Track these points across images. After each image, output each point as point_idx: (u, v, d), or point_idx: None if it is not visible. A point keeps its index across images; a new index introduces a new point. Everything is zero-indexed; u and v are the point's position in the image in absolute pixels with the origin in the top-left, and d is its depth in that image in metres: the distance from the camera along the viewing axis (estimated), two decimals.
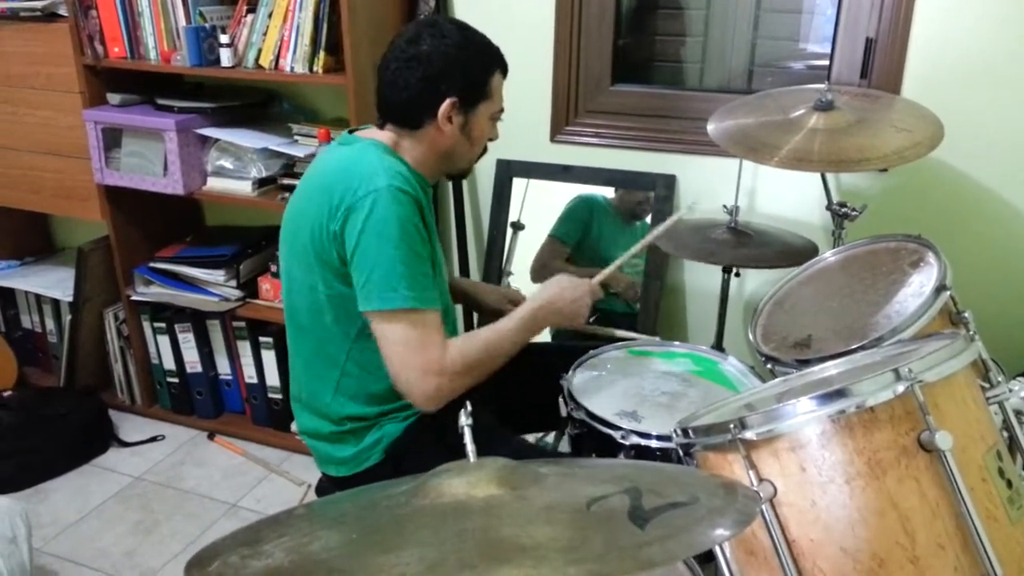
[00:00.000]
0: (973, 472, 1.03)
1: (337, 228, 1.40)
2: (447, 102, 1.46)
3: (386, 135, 1.52)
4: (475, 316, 2.50)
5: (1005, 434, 1.20)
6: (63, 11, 2.38)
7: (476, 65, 1.50)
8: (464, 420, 0.92)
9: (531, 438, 1.98)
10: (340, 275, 1.44)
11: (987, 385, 1.22)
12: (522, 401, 1.74)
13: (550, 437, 1.95)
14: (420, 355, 1.39)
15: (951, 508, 1.00)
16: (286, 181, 2.36)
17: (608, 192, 2.37)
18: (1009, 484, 1.06)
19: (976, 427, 1.07)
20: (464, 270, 2.53)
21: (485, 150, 1.63)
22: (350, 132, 1.58)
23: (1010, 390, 1.21)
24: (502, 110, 1.57)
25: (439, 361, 1.40)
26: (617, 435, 1.46)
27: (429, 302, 1.40)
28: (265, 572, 0.73)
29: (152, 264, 2.61)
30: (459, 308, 2.18)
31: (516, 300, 1.85)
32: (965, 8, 1.95)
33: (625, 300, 2.34)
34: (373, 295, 1.38)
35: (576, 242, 2.39)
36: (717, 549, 1.13)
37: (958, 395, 1.07)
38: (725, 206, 2.04)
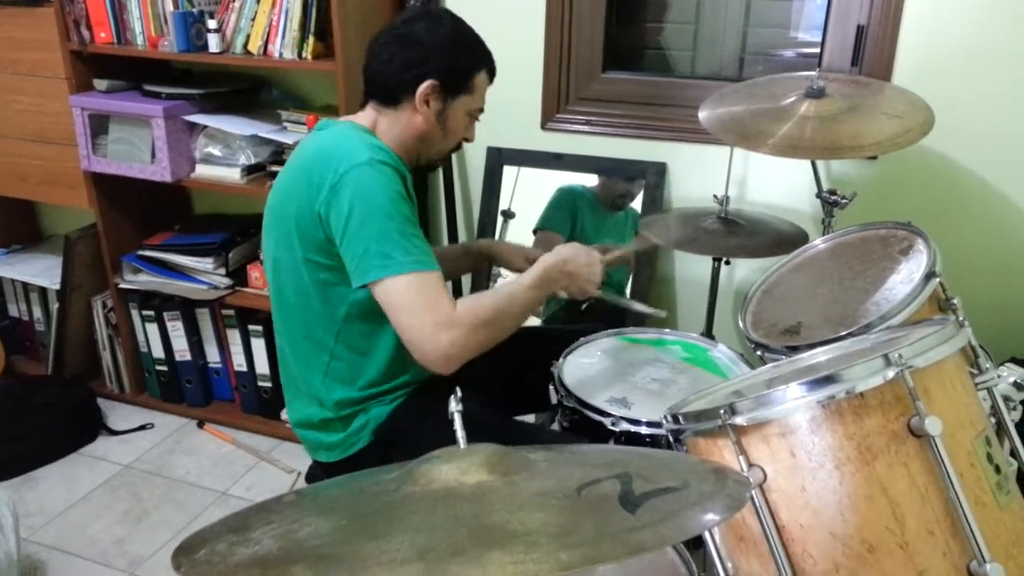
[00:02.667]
0: (962, 457, 1.03)
1: (323, 209, 1.39)
2: (427, 83, 1.47)
3: (365, 116, 1.53)
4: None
5: (993, 420, 1.20)
6: None
7: (463, 56, 1.51)
8: (454, 406, 0.91)
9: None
10: (327, 255, 1.43)
11: (976, 371, 1.23)
12: (512, 385, 1.73)
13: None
14: (429, 313, 1.37)
15: (940, 493, 1.00)
16: (275, 168, 2.35)
17: (593, 181, 2.37)
18: (997, 469, 1.06)
19: (965, 413, 1.07)
20: None
21: (459, 147, 1.63)
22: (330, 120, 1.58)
23: (999, 376, 1.22)
24: (481, 110, 1.59)
25: (449, 315, 1.38)
26: (607, 422, 1.47)
27: (428, 264, 1.39)
28: (253, 559, 0.73)
29: (140, 252, 2.59)
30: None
31: (533, 259, 1.84)
32: None
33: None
34: (372, 266, 1.38)
35: (568, 231, 2.38)
36: (707, 535, 1.13)
37: (947, 381, 1.07)
38: (715, 196, 2.04)
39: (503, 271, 2.44)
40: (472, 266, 2.07)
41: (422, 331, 1.38)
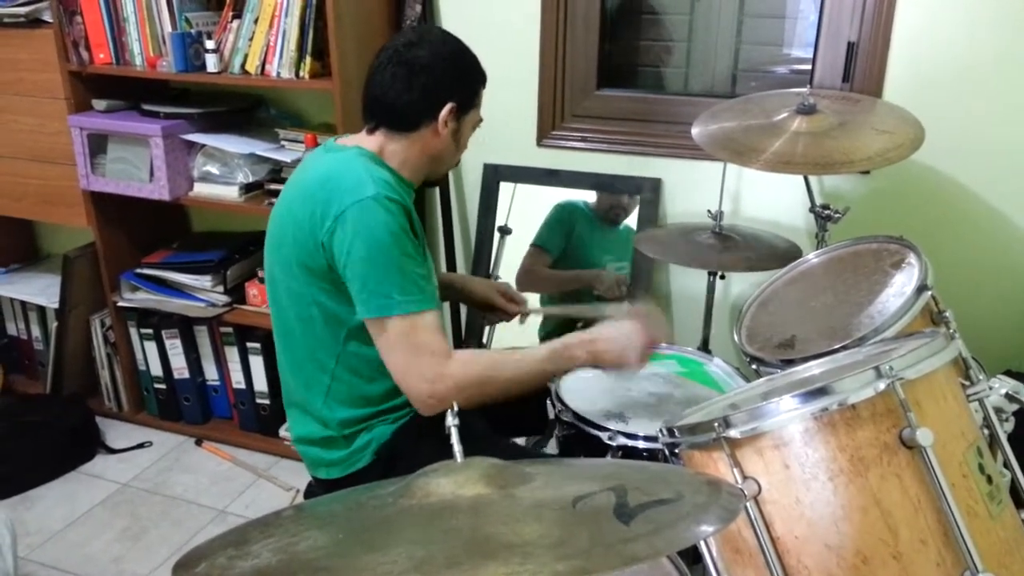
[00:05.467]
0: (954, 468, 1.04)
1: (325, 238, 1.40)
2: (448, 107, 1.49)
3: (372, 140, 1.52)
4: (462, 310, 2.52)
5: (985, 431, 1.21)
6: (47, 17, 2.37)
7: (470, 74, 1.54)
8: (451, 420, 0.92)
9: (520, 442, 1.99)
10: (328, 281, 1.44)
11: (968, 383, 1.24)
12: (510, 405, 1.74)
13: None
14: (417, 361, 1.40)
15: (933, 504, 1.01)
16: (273, 186, 2.36)
17: (591, 197, 2.39)
18: (989, 480, 1.07)
19: (957, 424, 1.08)
20: None
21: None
22: (335, 140, 1.58)
23: (990, 387, 1.23)
24: (481, 119, 1.61)
25: (438, 368, 1.40)
26: (604, 436, 1.47)
27: (425, 303, 1.41)
28: (252, 572, 0.74)
29: (138, 270, 2.60)
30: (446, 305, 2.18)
31: (504, 292, 1.87)
32: (946, 13, 1.98)
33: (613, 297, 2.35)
34: (370, 304, 1.40)
35: (560, 251, 2.40)
36: (704, 547, 1.14)
37: (939, 392, 1.08)
38: (709, 211, 2.05)
39: (500, 276, 2.46)
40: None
41: (408, 378, 1.41)
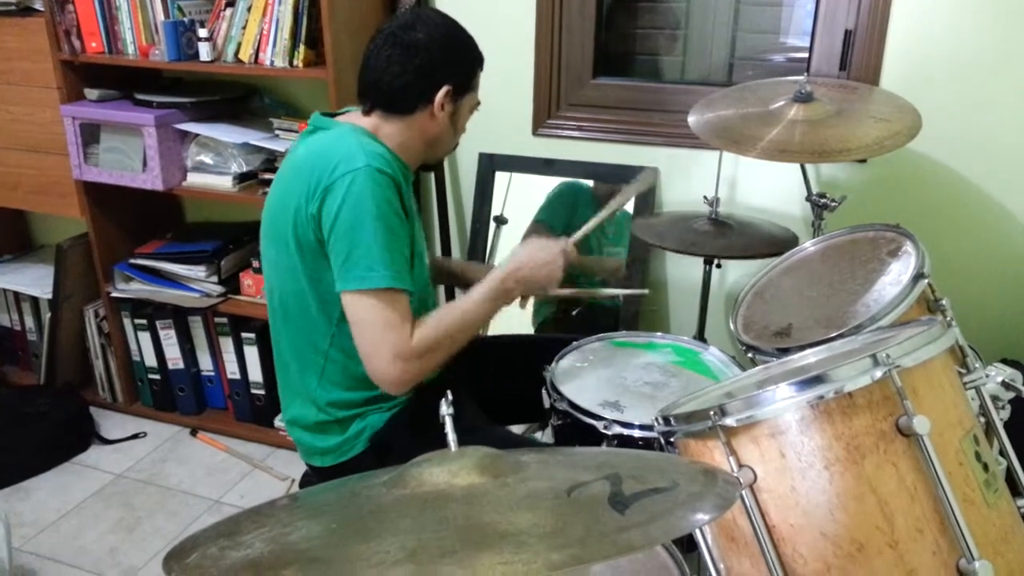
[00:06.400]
0: (951, 456, 1.04)
1: (315, 209, 1.39)
2: (444, 89, 1.48)
3: (367, 121, 1.51)
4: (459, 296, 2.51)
5: (982, 419, 1.21)
6: (39, 5, 2.36)
7: (467, 56, 1.53)
8: (445, 409, 0.92)
9: (517, 429, 1.99)
10: (320, 258, 1.43)
11: (964, 371, 1.23)
12: (506, 394, 1.74)
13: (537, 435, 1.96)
14: (388, 340, 1.39)
15: (929, 492, 1.00)
16: (267, 176, 2.35)
17: (590, 184, 2.38)
18: (986, 468, 1.07)
19: (953, 412, 1.08)
20: None
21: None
22: (323, 115, 1.56)
23: (987, 375, 1.22)
24: (479, 102, 1.60)
25: (407, 346, 1.40)
26: (600, 425, 1.47)
27: (401, 282, 1.40)
28: (244, 563, 0.73)
29: (132, 261, 2.59)
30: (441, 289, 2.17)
31: None
32: (943, 1, 1.97)
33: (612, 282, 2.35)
34: (351, 275, 1.38)
35: (563, 228, 2.39)
36: (699, 536, 1.14)
37: (935, 380, 1.08)
38: (706, 197, 2.04)
39: (496, 266, 2.44)
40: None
41: (379, 358, 1.40)
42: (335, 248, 1.39)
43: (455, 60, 1.50)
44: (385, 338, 1.39)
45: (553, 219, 2.40)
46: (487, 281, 1.51)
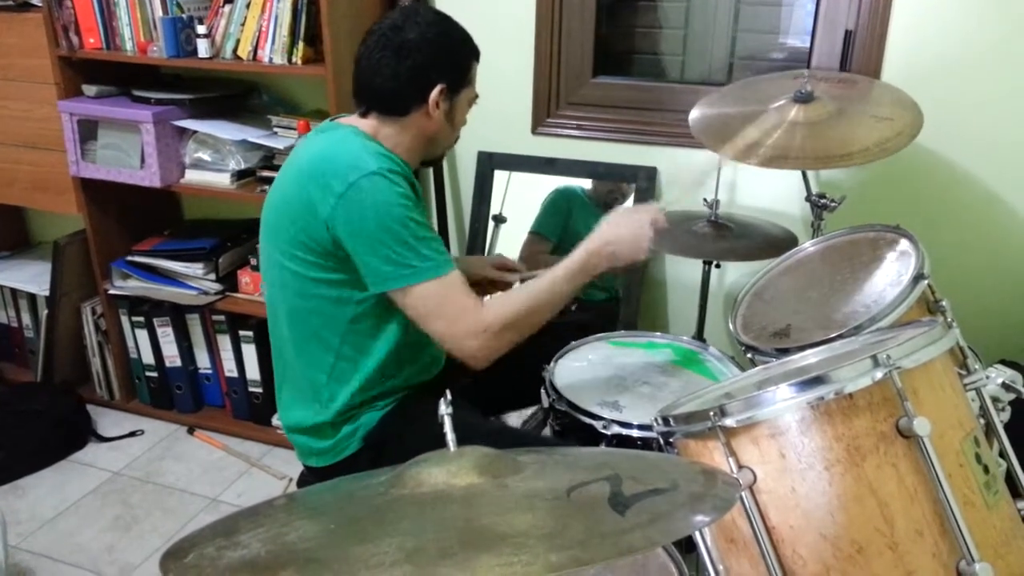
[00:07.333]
0: (951, 458, 1.03)
1: (327, 215, 1.39)
2: (437, 88, 1.47)
3: (366, 123, 1.51)
4: None
5: (982, 420, 1.21)
6: (37, 1, 2.34)
7: (460, 52, 1.53)
8: (444, 409, 0.91)
9: (515, 416, 1.99)
10: (334, 259, 1.43)
11: (964, 372, 1.23)
12: (501, 381, 1.73)
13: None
14: (457, 321, 1.42)
15: (929, 494, 1.00)
16: (265, 173, 2.34)
17: (587, 184, 2.37)
18: (986, 469, 1.07)
19: (954, 413, 1.07)
20: None
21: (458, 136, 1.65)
22: (331, 119, 1.57)
23: (987, 377, 1.22)
24: (477, 95, 1.59)
25: (476, 322, 1.43)
26: (599, 425, 1.47)
27: (447, 265, 1.42)
28: (241, 563, 0.73)
29: (130, 258, 2.58)
30: None
31: (499, 264, 1.86)
32: (944, 0, 1.96)
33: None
34: (394, 275, 1.40)
35: (559, 236, 2.39)
36: (698, 537, 1.13)
37: (936, 382, 1.07)
38: (705, 199, 2.04)
39: None
40: None
41: (452, 339, 1.44)
42: (369, 253, 1.40)
43: (447, 58, 1.49)
44: (451, 324, 1.43)
45: (548, 229, 2.40)
46: (572, 258, 1.51)
